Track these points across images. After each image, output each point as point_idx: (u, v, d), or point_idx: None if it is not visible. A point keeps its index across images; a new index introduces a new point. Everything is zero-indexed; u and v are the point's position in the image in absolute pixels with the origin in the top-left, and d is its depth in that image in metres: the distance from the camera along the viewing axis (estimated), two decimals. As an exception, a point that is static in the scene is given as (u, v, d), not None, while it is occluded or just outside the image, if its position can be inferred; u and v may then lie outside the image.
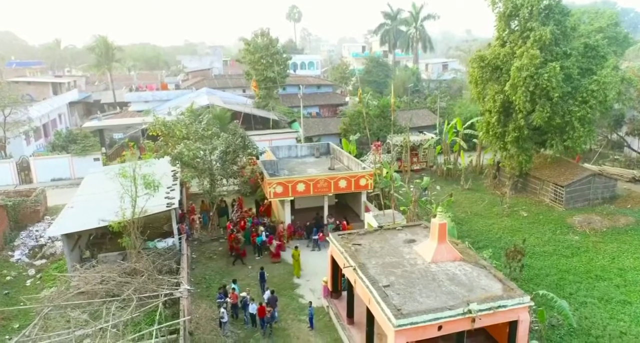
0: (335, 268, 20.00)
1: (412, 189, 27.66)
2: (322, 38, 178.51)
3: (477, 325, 14.50)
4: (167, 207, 22.60)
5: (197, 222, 28.25)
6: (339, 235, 19.79)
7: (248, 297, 19.89)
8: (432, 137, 41.52)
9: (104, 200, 23.15)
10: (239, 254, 25.22)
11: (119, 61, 69.10)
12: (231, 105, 47.47)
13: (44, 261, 25.80)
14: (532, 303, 15.33)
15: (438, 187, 36.92)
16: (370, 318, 15.95)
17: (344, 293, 20.63)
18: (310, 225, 27.54)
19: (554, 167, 34.54)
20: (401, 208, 26.22)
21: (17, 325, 19.89)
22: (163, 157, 27.17)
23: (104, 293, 18.53)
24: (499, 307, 14.59)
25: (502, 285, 15.64)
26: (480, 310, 14.31)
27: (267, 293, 20.02)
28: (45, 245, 27.26)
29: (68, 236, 22.04)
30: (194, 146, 25.58)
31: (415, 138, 40.98)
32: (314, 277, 23.58)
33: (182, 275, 20.29)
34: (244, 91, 64.18)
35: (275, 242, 25.61)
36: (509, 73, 31.16)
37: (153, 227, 25.23)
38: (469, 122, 40.52)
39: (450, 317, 14.09)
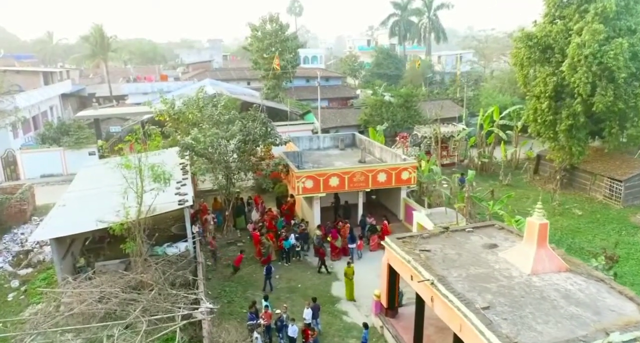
0: (392, 279, 16.10)
1: (463, 185, 23.79)
2: (319, 37, 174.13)
3: (617, 361, 10.65)
4: (179, 204, 18.57)
5: (211, 223, 24.19)
6: (398, 238, 15.85)
7: (285, 315, 15.94)
8: (464, 128, 37.67)
9: (102, 196, 19.14)
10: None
11: (115, 51, 64.79)
12: (238, 96, 43.48)
13: (29, 270, 21.71)
14: (685, 331, 11.46)
15: (474, 183, 33.09)
16: (458, 349, 12.08)
17: (402, 311, 16.78)
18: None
19: (605, 160, 30.79)
20: (455, 206, 22.31)
21: (-6, 354, 15.84)
22: (172, 146, 23.11)
23: (104, 314, 14.57)
24: (645, 336, 10.75)
25: (636, 305, 11.80)
26: (624, 342, 10.47)
27: (309, 312, 16.08)
28: (32, 250, 23.19)
29: (59, 241, 17.93)
30: (210, 132, 21.46)
31: (444, 129, 37.03)
32: (356, 288, 19.55)
33: (200, 289, 16.27)
34: (248, 83, 60.08)
35: (340, 239, 22.03)
36: (562, 52, 27.47)
37: (159, 229, 21.32)
38: (504, 113, 36.83)
39: (587, 352, 10.24)
